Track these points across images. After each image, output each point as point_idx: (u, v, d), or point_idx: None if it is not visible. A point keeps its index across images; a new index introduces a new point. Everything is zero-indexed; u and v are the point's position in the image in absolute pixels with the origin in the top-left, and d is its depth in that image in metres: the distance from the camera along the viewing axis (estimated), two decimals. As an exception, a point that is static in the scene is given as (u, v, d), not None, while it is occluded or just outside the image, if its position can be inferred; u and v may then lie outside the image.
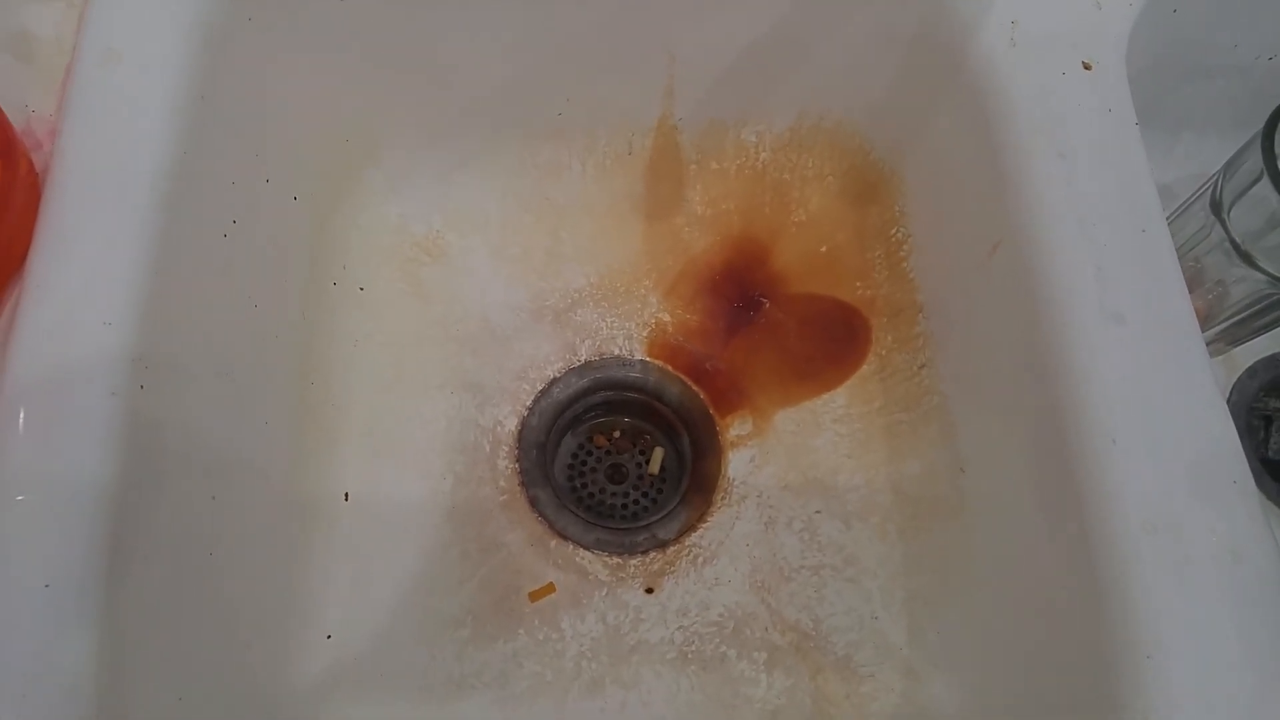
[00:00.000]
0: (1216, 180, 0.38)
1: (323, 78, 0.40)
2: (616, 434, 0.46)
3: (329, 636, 0.38)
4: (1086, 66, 0.36)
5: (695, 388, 0.44)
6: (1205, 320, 0.42)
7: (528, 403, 0.43)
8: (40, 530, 0.26)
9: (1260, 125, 0.34)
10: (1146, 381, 0.31)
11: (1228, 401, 0.45)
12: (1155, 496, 0.30)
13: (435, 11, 0.39)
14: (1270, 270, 0.36)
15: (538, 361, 0.44)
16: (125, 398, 0.28)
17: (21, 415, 0.27)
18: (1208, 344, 0.44)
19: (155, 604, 0.29)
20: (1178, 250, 0.41)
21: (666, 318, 0.46)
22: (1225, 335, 0.43)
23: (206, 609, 0.32)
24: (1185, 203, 0.41)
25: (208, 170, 0.33)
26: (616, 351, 0.45)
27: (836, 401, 0.44)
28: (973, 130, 0.37)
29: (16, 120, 0.31)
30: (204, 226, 0.33)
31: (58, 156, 0.30)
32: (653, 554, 0.41)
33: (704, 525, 0.42)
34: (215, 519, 0.33)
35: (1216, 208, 0.38)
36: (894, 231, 0.45)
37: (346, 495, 0.40)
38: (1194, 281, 0.42)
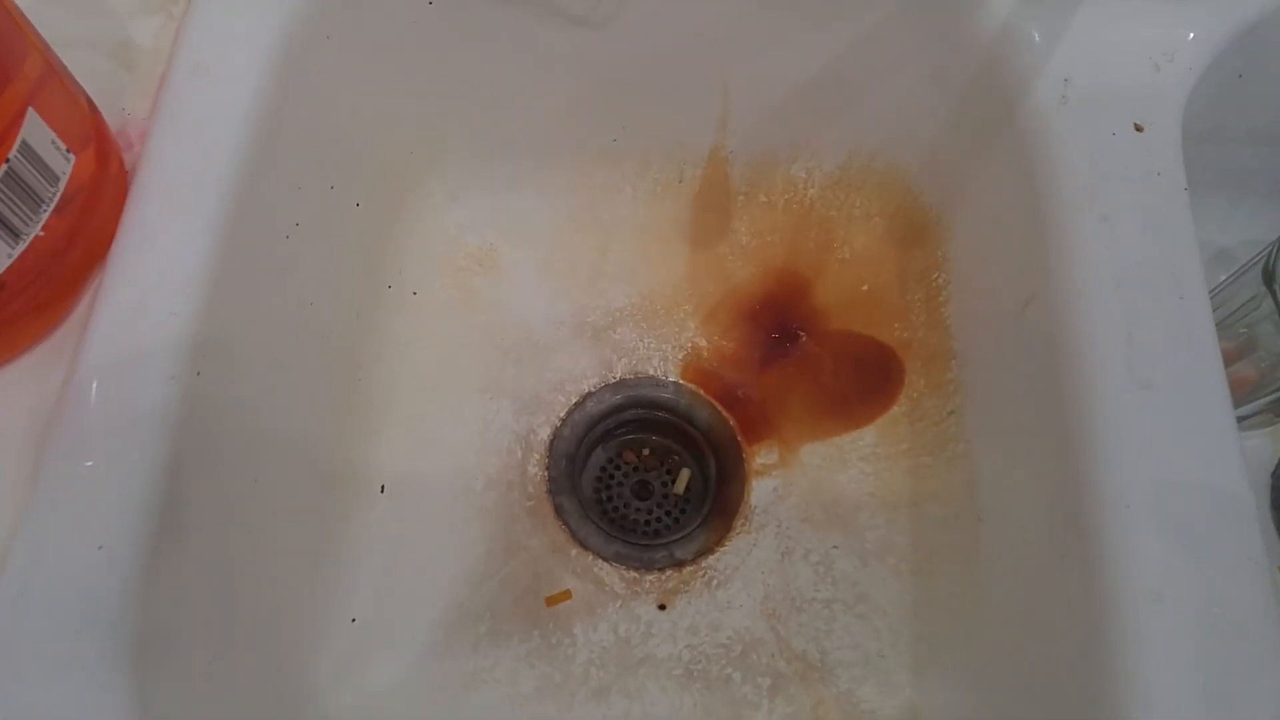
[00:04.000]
0: (1270, 250, 0.37)
1: (391, 93, 0.42)
2: (646, 452, 0.47)
3: (353, 620, 0.40)
4: (1138, 128, 0.36)
5: (725, 414, 0.45)
6: (1255, 390, 0.41)
7: (561, 414, 0.45)
8: (102, 494, 0.29)
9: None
10: (1169, 450, 0.31)
11: (1274, 473, 0.44)
12: (1163, 565, 0.29)
13: (500, 38, 0.41)
14: (1319, 346, 0.35)
15: (575, 375, 0.46)
16: (183, 382, 0.31)
17: (94, 388, 0.30)
18: (1257, 414, 0.43)
19: (197, 571, 0.32)
20: (1229, 317, 0.40)
21: (703, 343, 0.47)
22: (1275, 406, 0.42)
23: (243, 581, 0.35)
24: (1241, 268, 0.40)
25: (276, 175, 0.36)
26: (651, 371, 0.46)
27: (864, 439, 0.44)
28: (1018, 183, 0.37)
29: (113, 121, 0.34)
30: (269, 227, 0.36)
31: (145, 157, 0.33)
32: (669, 572, 0.42)
33: (722, 549, 0.43)
34: (257, 499, 0.35)
35: (1268, 277, 0.37)
36: (935, 276, 0.45)
37: (382, 488, 0.42)
38: (1245, 349, 0.41)
